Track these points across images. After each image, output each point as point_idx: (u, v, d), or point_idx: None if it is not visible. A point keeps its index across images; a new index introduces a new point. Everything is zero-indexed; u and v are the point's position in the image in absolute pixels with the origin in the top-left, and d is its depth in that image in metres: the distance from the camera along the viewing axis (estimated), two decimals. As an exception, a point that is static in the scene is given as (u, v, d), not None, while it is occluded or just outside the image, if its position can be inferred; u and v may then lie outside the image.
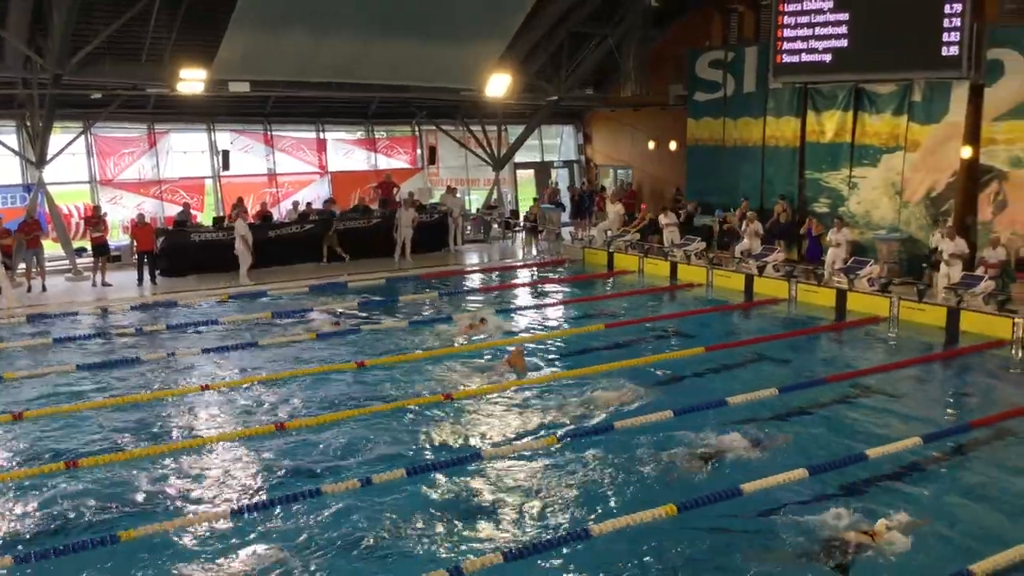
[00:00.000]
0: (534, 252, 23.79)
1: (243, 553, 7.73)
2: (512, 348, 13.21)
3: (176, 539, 7.89)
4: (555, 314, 16.95)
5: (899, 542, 7.73)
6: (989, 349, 14.33)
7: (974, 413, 11.36)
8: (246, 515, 8.30)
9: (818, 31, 19.47)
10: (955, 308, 15.47)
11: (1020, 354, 14.20)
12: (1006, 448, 10.23)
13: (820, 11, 19.38)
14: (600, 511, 8.34)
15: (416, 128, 27.14)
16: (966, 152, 18.03)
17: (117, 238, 21.58)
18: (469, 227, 25.71)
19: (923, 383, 12.92)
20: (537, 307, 17.47)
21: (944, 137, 18.31)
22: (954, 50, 17.45)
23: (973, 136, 17.90)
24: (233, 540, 7.94)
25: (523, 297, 18.72)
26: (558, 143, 30.37)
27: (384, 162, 26.56)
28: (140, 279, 19.18)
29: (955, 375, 13.50)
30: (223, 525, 8.16)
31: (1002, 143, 17.37)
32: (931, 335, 15.27)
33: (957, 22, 17.35)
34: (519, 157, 28.23)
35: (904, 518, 7.99)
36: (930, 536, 7.99)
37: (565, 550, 7.62)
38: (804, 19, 19.66)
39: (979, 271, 16.25)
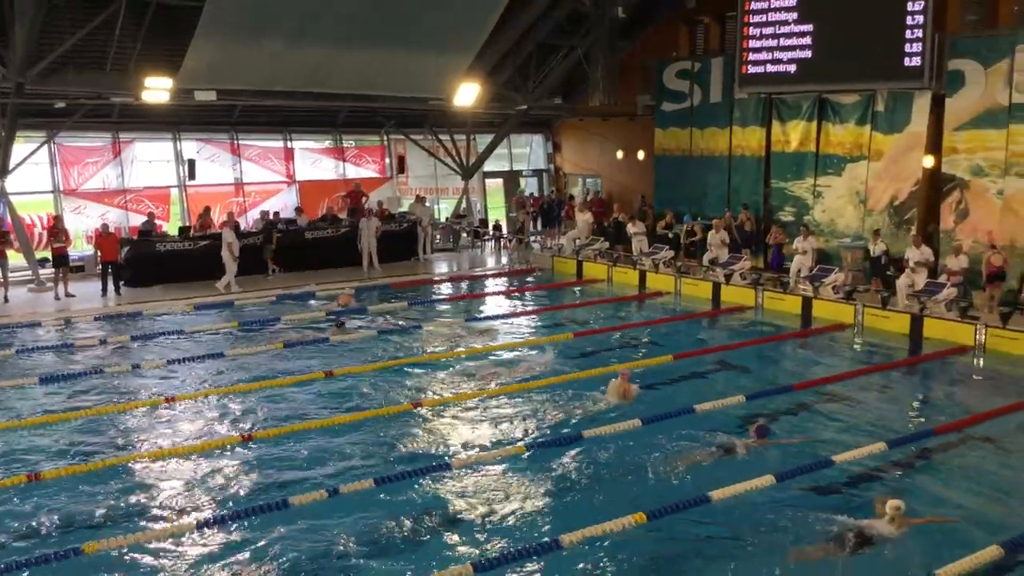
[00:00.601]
0: (503, 261, 23.83)
1: (209, 566, 7.65)
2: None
3: (141, 552, 7.79)
4: (524, 323, 16.95)
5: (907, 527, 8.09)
6: (952, 355, 14.53)
7: (938, 419, 11.50)
8: (212, 527, 8.21)
9: (783, 42, 19.70)
10: (919, 315, 15.68)
11: (982, 360, 14.42)
12: (970, 452, 10.36)
13: (785, 22, 19.61)
14: (570, 520, 8.32)
15: (385, 137, 27.10)
16: (928, 161, 18.33)
17: (81, 248, 21.33)
18: (438, 236, 25.70)
19: (888, 389, 13.04)
20: (506, 316, 17.46)
21: (907, 146, 18.60)
22: (916, 61, 17.74)
23: (935, 145, 18.20)
24: (199, 552, 7.86)
25: (492, 306, 18.71)
26: (527, 152, 30.44)
27: (352, 171, 26.46)
28: (104, 290, 18.94)
29: (919, 381, 13.67)
30: (189, 537, 8.07)
31: (963, 152, 17.67)
32: (896, 342, 15.45)
33: (919, 33, 17.63)
34: (488, 166, 28.27)
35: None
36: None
37: (535, 560, 7.61)
38: (769, 30, 19.89)
39: (942, 279, 16.49)
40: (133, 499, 8.93)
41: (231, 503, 8.81)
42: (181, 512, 8.65)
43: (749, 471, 9.24)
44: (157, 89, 19.14)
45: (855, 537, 7.95)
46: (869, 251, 18.32)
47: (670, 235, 22.17)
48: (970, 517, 8.60)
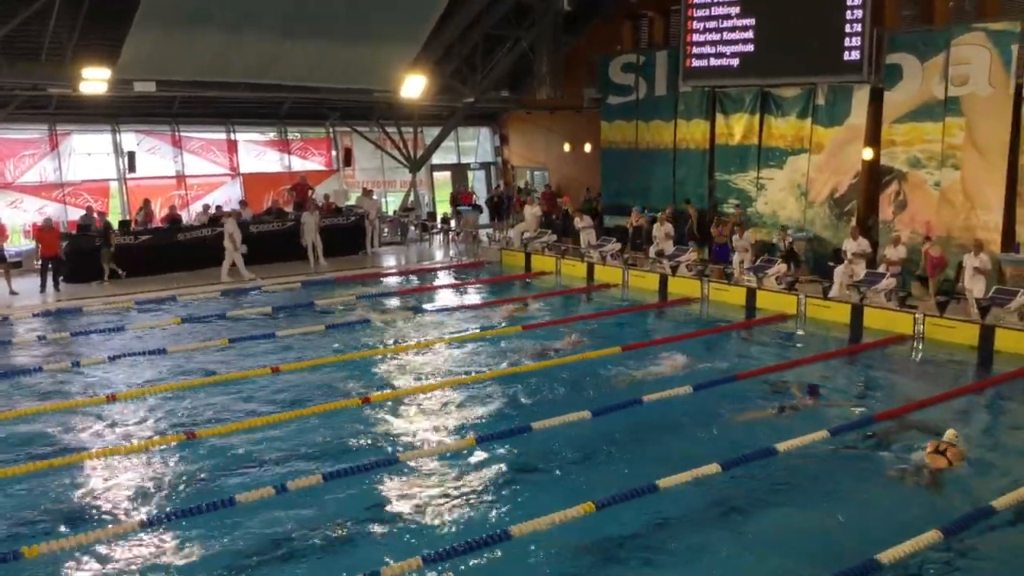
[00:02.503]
0: (451, 254, 23.78)
1: (153, 567, 7.53)
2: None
3: (84, 554, 7.63)
4: (473, 316, 16.93)
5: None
6: (891, 344, 14.86)
7: (879, 406, 11.75)
8: (156, 527, 8.06)
9: (726, 36, 19.93)
10: (859, 305, 16.01)
11: (921, 348, 14.77)
12: (909, 438, 10.59)
13: (727, 17, 19.85)
14: (521, 512, 8.34)
15: (330, 130, 26.84)
16: (867, 154, 18.71)
17: (19, 243, 20.80)
18: (386, 229, 25.54)
19: (830, 378, 13.29)
20: (454, 309, 17.42)
21: (846, 139, 18.97)
22: (855, 55, 18.07)
23: (874, 138, 18.59)
24: (143, 553, 7.73)
25: (441, 299, 18.67)
26: (475, 145, 30.40)
27: (298, 164, 26.18)
28: (43, 286, 18.49)
29: (860, 370, 13.94)
30: (132, 538, 7.92)
31: (901, 145, 18.07)
32: (837, 331, 15.75)
33: (858, 28, 17.97)
34: (436, 159, 28.17)
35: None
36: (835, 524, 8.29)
37: (485, 552, 7.62)
38: (712, 24, 20.10)
39: (881, 268, 16.85)
40: (75, 500, 8.76)
41: (175, 502, 8.67)
42: (124, 512, 8.49)
43: (696, 460, 9.35)
44: (95, 80, 18.73)
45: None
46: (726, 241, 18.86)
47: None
48: (909, 502, 8.82)
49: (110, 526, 8.11)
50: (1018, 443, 11.01)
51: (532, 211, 23.82)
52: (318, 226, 21.69)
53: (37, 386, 12.28)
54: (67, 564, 7.51)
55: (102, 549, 7.74)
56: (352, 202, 25.18)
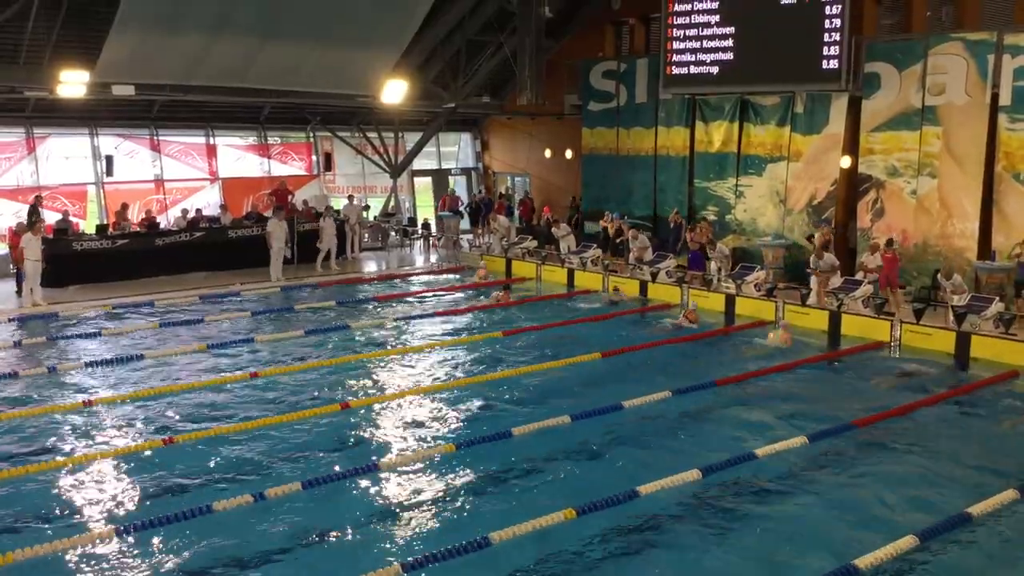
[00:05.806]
0: (432, 259, 23.75)
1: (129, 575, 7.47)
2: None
3: (58, 561, 7.55)
4: (453, 321, 16.92)
5: None
6: (868, 351, 14.96)
7: (857, 413, 11.81)
8: (132, 535, 7.99)
9: (705, 44, 20.05)
10: (836, 312, 16.11)
11: (897, 356, 14.87)
12: (887, 445, 10.67)
13: (707, 25, 19.97)
14: (500, 518, 8.33)
15: (311, 134, 26.77)
16: (845, 162, 18.85)
17: (-9, 247, 20.63)
18: (367, 235, 25.48)
19: (808, 384, 13.35)
20: (435, 315, 17.39)
21: (825, 147, 19.11)
22: (834, 64, 18.22)
23: (852, 146, 18.74)
24: (118, 561, 7.65)
25: (421, 305, 18.62)
26: (456, 150, 30.40)
27: (278, 168, 26.07)
28: (19, 290, 18.29)
29: (838, 377, 14.02)
30: (108, 546, 7.85)
31: (879, 153, 18.24)
32: (815, 338, 15.84)
33: (836, 37, 18.12)
34: (417, 164, 28.15)
35: None
36: (819, 527, 8.34)
37: (465, 559, 7.60)
38: (692, 32, 20.22)
39: (859, 276, 16.96)
40: (50, 506, 8.66)
41: (152, 509, 8.57)
42: (100, 519, 8.41)
43: (677, 466, 9.37)
44: (73, 83, 18.56)
45: None
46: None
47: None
48: (887, 507, 8.88)
49: (86, 533, 8.03)
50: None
51: (501, 222, 23.64)
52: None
53: (14, 391, 12.14)
54: (42, 571, 7.42)
55: (77, 556, 7.66)
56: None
